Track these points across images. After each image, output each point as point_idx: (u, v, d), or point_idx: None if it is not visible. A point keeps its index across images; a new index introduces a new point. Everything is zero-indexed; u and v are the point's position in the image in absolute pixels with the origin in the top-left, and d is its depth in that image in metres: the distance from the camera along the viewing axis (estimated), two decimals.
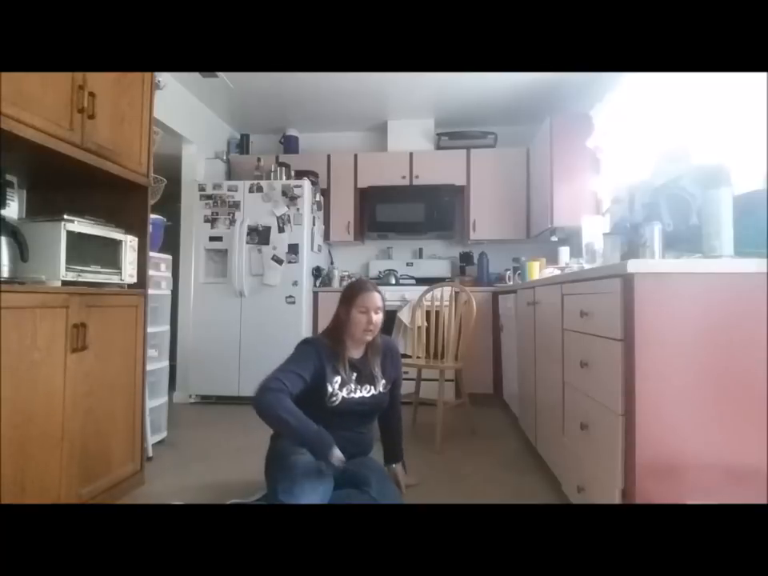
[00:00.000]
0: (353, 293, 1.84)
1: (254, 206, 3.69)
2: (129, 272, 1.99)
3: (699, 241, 1.40)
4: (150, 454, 2.39)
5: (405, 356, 2.69)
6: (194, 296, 3.74)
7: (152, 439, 2.48)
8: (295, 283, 3.65)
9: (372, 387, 1.85)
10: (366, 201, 4.18)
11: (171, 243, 3.15)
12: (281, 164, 3.91)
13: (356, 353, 1.86)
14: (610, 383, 1.34)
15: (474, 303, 2.81)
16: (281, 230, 3.66)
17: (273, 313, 3.64)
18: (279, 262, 3.65)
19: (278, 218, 3.66)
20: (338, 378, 1.76)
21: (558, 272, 2.70)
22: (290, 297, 3.64)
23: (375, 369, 1.87)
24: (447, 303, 3.06)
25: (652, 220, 1.60)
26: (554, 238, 3.68)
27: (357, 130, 4.49)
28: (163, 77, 2.91)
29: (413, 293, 3.62)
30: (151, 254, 2.32)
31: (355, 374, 1.82)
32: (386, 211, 4.11)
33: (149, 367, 2.21)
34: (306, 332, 3.66)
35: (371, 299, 1.81)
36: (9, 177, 1.90)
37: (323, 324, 3.72)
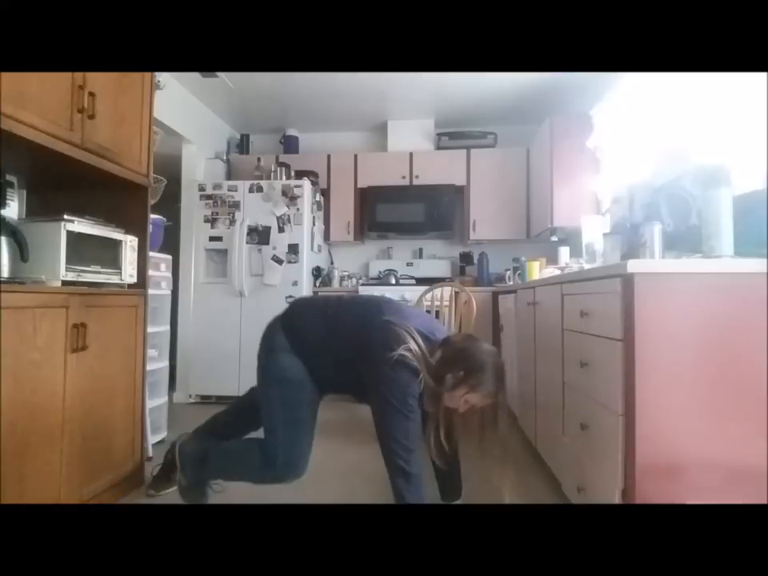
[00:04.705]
0: None
1: (254, 206, 3.69)
2: (129, 272, 1.99)
3: (699, 241, 1.41)
4: (150, 453, 2.38)
5: None
6: (193, 296, 3.74)
7: (152, 439, 2.48)
8: (295, 283, 3.65)
9: None
10: (365, 201, 4.18)
11: (171, 243, 3.15)
12: (281, 164, 3.90)
13: None
14: (610, 383, 1.34)
15: (474, 303, 2.81)
16: (281, 229, 3.66)
17: (273, 313, 3.53)
18: (279, 262, 3.65)
19: (278, 218, 3.66)
20: None
21: (558, 272, 2.70)
22: (290, 297, 3.63)
23: None
24: (447, 303, 3.06)
25: (652, 220, 1.60)
26: (554, 238, 3.68)
27: (357, 130, 4.49)
28: (163, 77, 2.91)
29: (413, 293, 3.62)
30: (151, 254, 2.31)
31: None
32: (386, 211, 4.11)
33: (149, 367, 2.21)
34: None
35: None
36: (9, 177, 1.90)
37: None
